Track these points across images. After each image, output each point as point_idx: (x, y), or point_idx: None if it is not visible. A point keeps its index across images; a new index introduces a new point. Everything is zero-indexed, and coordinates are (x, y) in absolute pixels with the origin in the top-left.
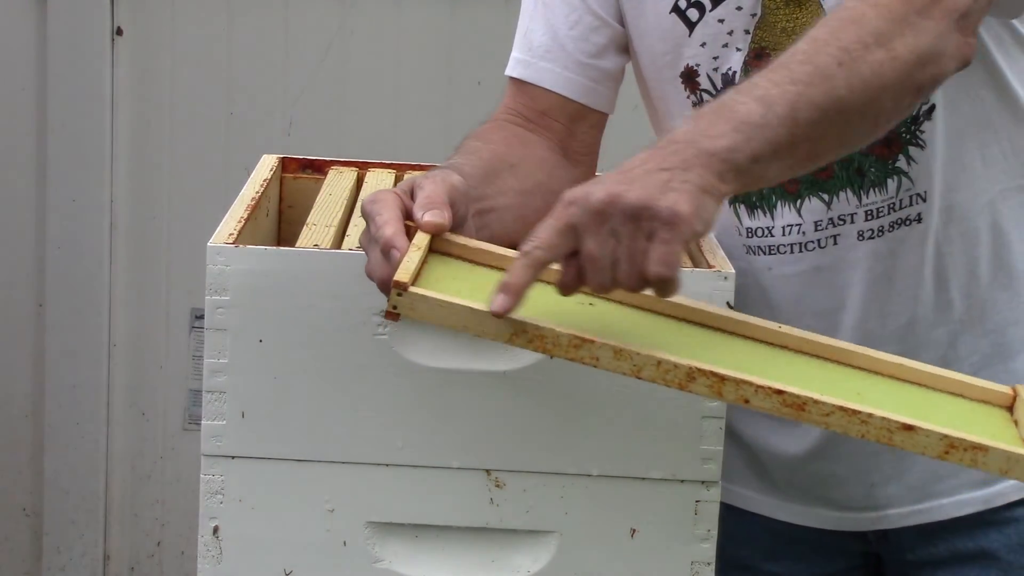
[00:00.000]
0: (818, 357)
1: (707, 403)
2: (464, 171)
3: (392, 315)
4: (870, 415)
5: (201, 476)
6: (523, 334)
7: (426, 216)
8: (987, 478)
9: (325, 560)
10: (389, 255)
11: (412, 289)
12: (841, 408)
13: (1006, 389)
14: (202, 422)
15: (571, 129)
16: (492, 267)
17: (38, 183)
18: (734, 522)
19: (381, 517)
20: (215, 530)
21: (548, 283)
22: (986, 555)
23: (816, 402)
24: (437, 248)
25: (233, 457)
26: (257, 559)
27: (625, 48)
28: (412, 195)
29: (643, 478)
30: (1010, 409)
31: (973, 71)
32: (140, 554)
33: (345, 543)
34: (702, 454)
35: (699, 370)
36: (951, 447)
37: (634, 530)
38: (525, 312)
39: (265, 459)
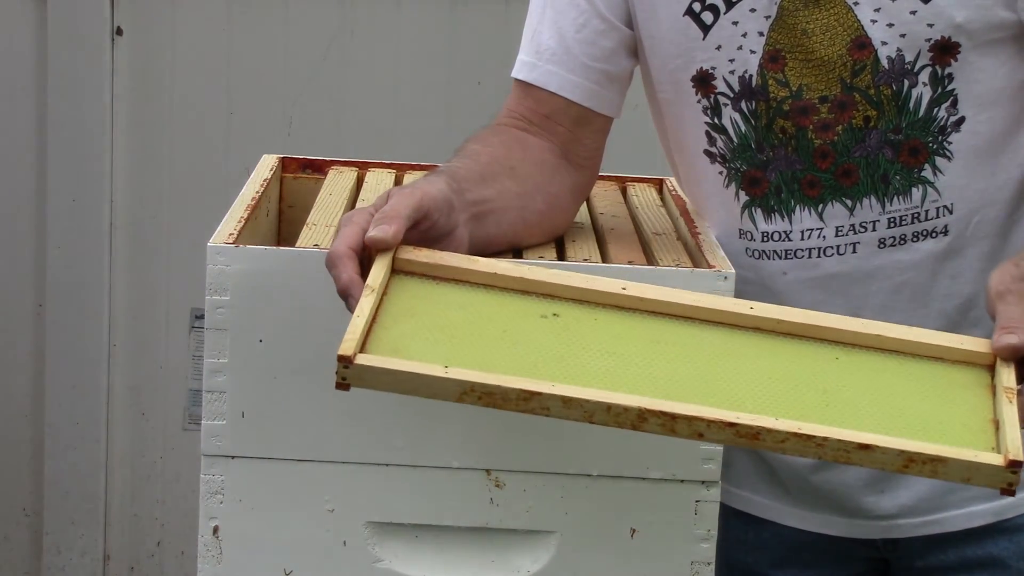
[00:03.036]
0: (792, 336)
1: None
2: (459, 174)
3: (342, 386)
4: (825, 439)
5: (201, 476)
6: (471, 392)
7: (369, 232)
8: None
9: (325, 560)
10: (346, 303)
11: (358, 361)
12: (795, 434)
13: (986, 347)
14: (202, 422)
15: (575, 133)
16: (457, 281)
17: (38, 183)
18: (742, 527)
19: (381, 517)
20: (215, 530)
21: (515, 291)
22: (995, 562)
23: (769, 431)
24: (400, 268)
25: (233, 457)
26: (257, 559)
27: (634, 51)
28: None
29: (643, 478)
30: (991, 368)
31: (1007, 84)
32: (140, 554)
33: (345, 543)
34: (702, 454)
35: (649, 411)
36: (910, 461)
37: (634, 530)
38: (487, 328)
39: (265, 459)
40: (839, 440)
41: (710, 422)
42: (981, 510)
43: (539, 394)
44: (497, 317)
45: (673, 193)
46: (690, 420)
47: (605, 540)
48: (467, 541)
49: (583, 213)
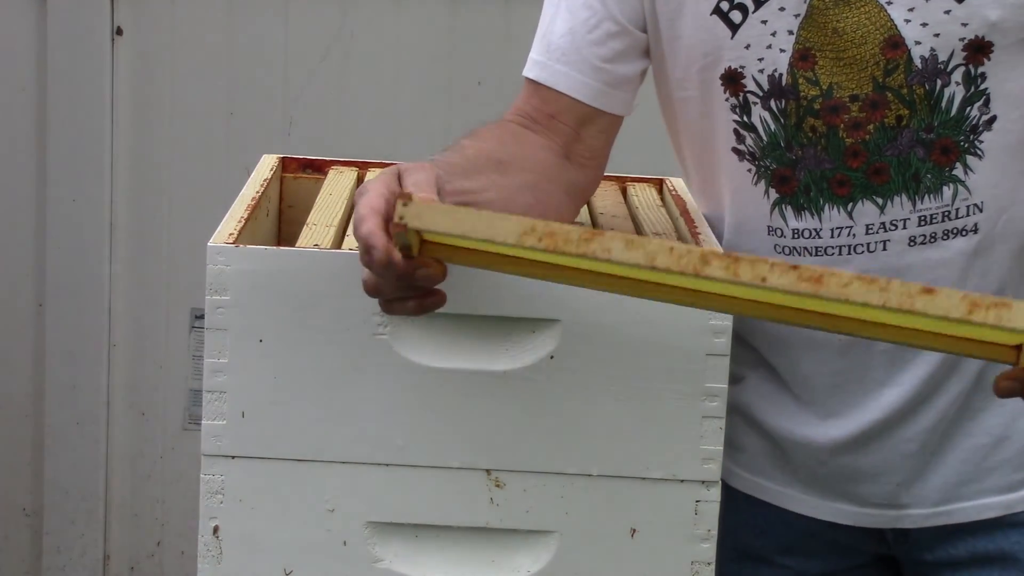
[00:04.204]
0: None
1: (707, 403)
2: (441, 165)
3: (399, 227)
4: (888, 281)
5: (201, 476)
6: (532, 232)
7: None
8: (1010, 483)
9: (325, 560)
10: (370, 253)
11: (417, 197)
12: (859, 279)
13: None
14: (202, 422)
15: (578, 133)
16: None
17: (38, 183)
18: (752, 511)
19: (381, 517)
20: (215, 530)
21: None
22: (1006, 557)
23: (833, 274)
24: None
25: (233, 457)
26: (257, 559)
27: (646, 53)
28: (400, 181)
29: (643, 478)
30: None
31: None
32: (140, 554)
33: (345, 543)
34: (702, 454)
35: (713, 253)
36: (974, 306)
37: (634, 530)
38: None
39: (265, 459)
40: (903, 283)
41: (773, 264)
42: (993, 502)
43: (602, 234)
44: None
45: (673, 193)
46: (753, 263)
47: (605, 540)
48: (467, 541)
49: (583, 213)
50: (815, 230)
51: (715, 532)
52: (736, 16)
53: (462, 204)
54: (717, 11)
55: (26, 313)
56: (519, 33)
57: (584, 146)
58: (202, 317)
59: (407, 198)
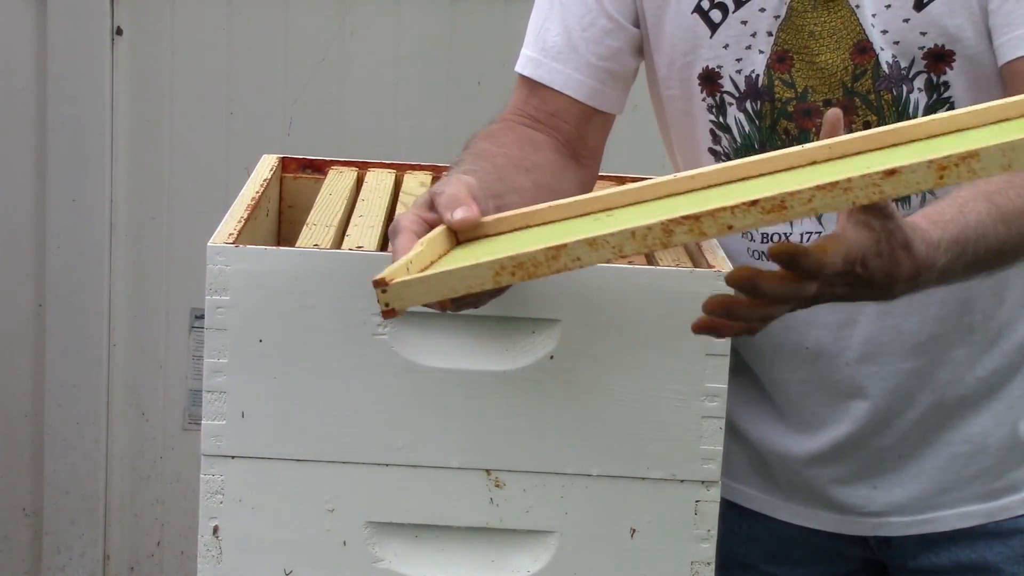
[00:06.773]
0: (813, 163)
1: (707, 403)
2: (478, 176)
3: (389, 313)
4: (849, 179)
5: (201, 476)
6: (504, 270)
7: (456, 214)
8: (990, 491)
9: (325, 560)
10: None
11: (392, 281)
12: (819, 188)
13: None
14: (202, 422)
15: (579, 131)
16: (513, 231)
17: (38, 183)
18: (736, 520)
19: (381, 517)
20: (215, 530)
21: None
22: (988, 567)
23: (793, 194)
24: (464, 237)
25: (233, 457)
26: (257, 559)
27: (639, 50)
28: (432, 205)
29: (643, 478)
30: None
31: (1001, 93)
32: (140, 554)
33: (345, 543)
34: (702, 454)
35: (673, 220)
36: (942, 170)
37: (634, 530)
38: (528, 238)
39: (265, 459)
40: (863, 176)
41: (734, 208)
42: (973, 511)
43: (564, 246)
44: (544, 232)
45: None
46: (714, 214)
47: (605, 540)
48: (467, 541)
49: None
50: (784, 234)
51: (715, 532)
52: (716, 15)
53: (498, 210)
54: (698, 9)
55: (26, 313)
56: (519, 33)
57: (585, 144)
58: (202, 317)
59: (383, 284)
